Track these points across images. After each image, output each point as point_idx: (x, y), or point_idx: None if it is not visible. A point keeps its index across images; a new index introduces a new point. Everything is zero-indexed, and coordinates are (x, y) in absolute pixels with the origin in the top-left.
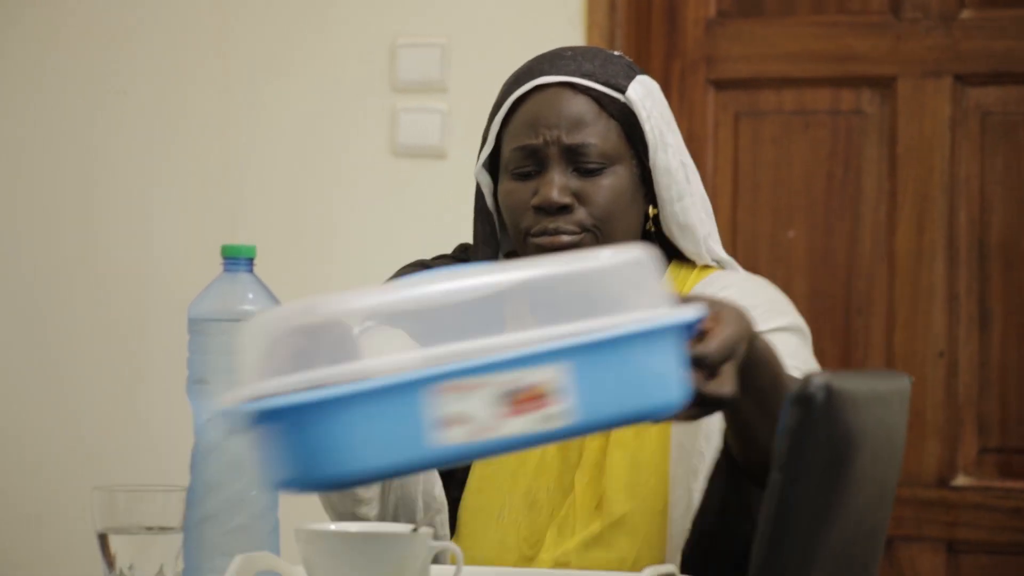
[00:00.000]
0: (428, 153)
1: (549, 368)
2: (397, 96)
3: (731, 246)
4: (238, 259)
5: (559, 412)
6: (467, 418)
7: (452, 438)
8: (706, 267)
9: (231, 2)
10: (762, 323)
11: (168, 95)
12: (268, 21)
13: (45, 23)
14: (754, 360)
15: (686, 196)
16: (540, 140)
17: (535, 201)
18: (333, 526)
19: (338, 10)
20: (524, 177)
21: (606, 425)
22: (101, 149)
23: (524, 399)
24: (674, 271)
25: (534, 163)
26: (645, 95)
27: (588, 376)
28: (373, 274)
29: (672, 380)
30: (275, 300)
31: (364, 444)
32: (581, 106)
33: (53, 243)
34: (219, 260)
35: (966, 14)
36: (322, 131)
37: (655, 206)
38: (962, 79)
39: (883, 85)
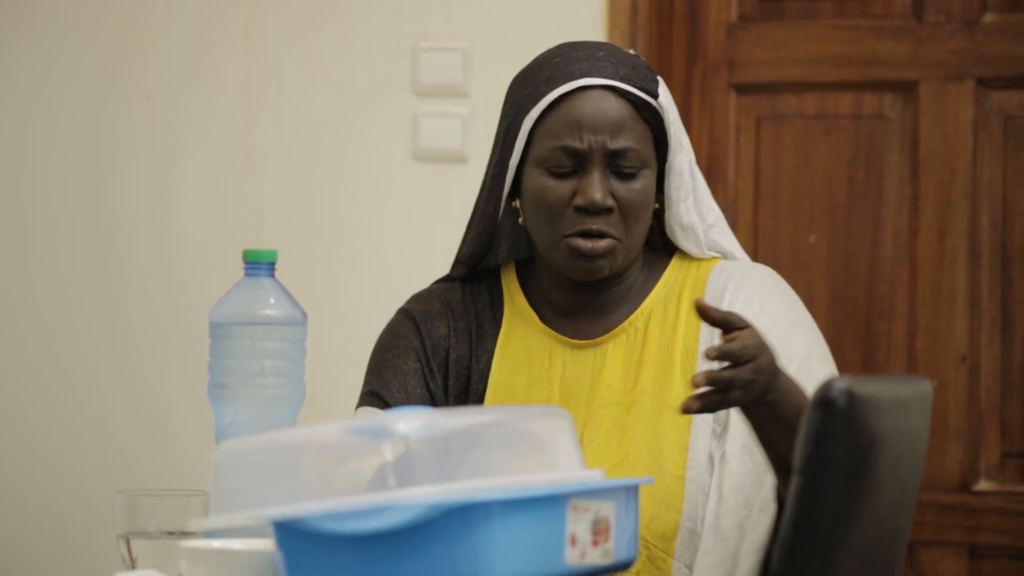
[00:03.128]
0: (449, 157)
1: (611, 504)
2: (419, 100)
3: (752, 250)
4: (260, 263)
5: (609, 549)
6: (578, 540)
7: (570, 558)
8: (710, 259)
9: (254, 6)
10: (784, 337)
11: (191, 99)
12: (290, 25)
13: (68, 28)
14: (780, 392)
15: (690, 196)
16: (585, 144)
17: (580, 202)
18: (216, 543)
19: (360, 14)
20: (560, 176)
21: (608, 572)
22: (123, 153)
23: (599, 530)
24: (676, 264)
25: (574, 163)
26: (668, 99)
27: (621, 519)
28: (393, 279)
29: (632, 536)
30: (297, 304)
31: (516, 550)
32: (623, 111)
33: (74, 246)
34: (241, 264)
35: (989, 18)
36: (344, 135)
37: (659, 204)
38: (985, 83)
39: (905, 89)
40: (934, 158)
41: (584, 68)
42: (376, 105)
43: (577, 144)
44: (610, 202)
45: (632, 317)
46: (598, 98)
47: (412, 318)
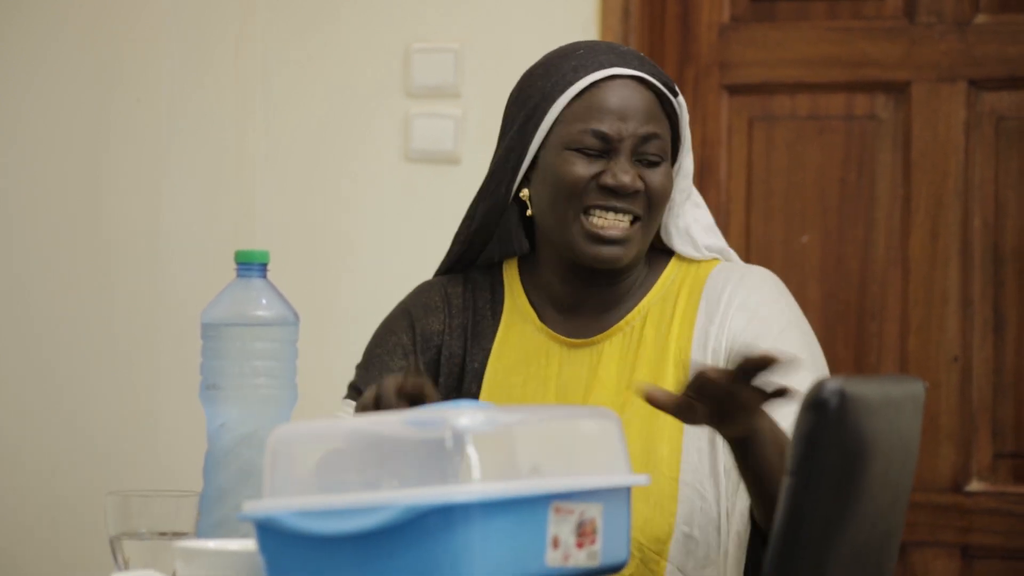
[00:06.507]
0: (441, 159)
1: (598, 506)
2: (411, 101)
3: (745, 251)
4: (252, 264)
5: (595, 552)
6: (561, 542)
7: (551, 560)
8: (709, 260)
9: (245, 9)
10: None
11: (182, 101)
12: (282, 27)
13: (59, 31)
14: (762, 437)
15: (688, 199)
16: (615, 130)
17: (611, 182)
18: (212, 543)
19: (352, 15)
20: (588, 156)
21: (597, 573)
22: (115, 156)
23: (585, 532)
24: (676, 264)
25: (602, 147)
26: (684, 102)
27: (610, 520)
28: (386, 280)
29: (624, 537)
30: (288, 305)
31: (494, 552)
32: (650, 101)
33: (66, 248)
34: (232, 265)
35: (980, 19)
36: (336, 136)
37: None
38: (976, 84)
39: (897, 90)
40: (926, 159)
41: (612, 59)
42: (368, 106)
43: (607, 129)
44: (639, 184)
45: (629, 316)
46: (628, 87)
47: (408, 312)
